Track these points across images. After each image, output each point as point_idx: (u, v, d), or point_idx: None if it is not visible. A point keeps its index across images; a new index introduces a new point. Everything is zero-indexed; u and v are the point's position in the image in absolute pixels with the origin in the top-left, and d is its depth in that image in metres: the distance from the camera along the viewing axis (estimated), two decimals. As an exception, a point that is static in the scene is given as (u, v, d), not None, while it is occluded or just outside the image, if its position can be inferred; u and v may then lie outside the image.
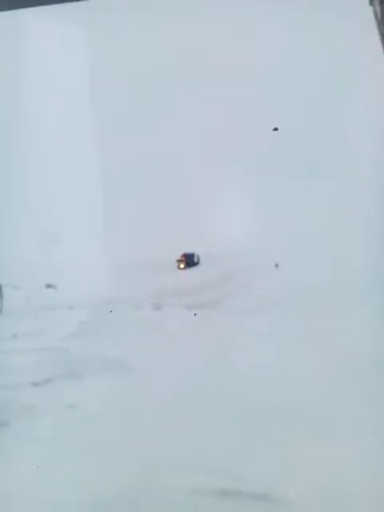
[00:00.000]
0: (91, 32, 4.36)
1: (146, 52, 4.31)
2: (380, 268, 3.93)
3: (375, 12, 4.48)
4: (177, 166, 4.28)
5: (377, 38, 4.31)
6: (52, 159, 4.41)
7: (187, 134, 4.26)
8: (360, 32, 4.25)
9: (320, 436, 3.70)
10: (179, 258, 4.33)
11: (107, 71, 4.36)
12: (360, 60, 4.20)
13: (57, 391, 4.09)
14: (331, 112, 4.17)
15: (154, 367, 4.00)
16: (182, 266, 4.32)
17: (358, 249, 3.95)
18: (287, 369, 3.80)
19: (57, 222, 4.37)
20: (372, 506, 3.53)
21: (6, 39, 4.44)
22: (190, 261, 4.38)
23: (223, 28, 4.24)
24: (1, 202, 4.37)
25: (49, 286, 4.33)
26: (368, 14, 4.37)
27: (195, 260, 4.38)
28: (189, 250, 4.32)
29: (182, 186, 4.26)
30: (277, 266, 4.13)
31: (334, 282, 3.94)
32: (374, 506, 3.52)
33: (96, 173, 4.35)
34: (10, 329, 4.26)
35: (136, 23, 4.30)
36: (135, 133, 4.32)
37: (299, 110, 4.19)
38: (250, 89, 4.21)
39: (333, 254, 4.01)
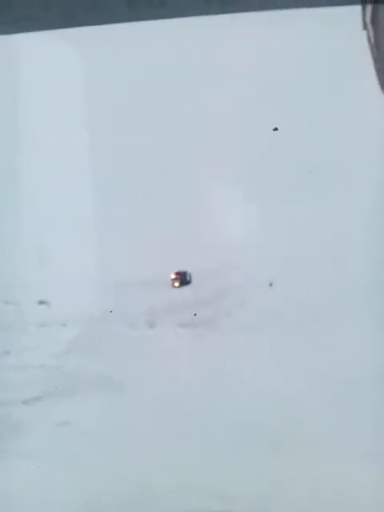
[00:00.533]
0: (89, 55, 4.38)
1: (143, 55, 4.32)
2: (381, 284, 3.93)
3: (369, 37, 4.54)
4: (168, 181, 4.28)
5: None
6: (45, 175, 4.40)
7: (182, 148, 4.26)
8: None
9: (317, 457, 3.69)
10: (173, 276, 4.27)
11: (102, 77, 4.36)
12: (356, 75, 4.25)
13: (48, 409, 4.06)
14: (329, 125, 4.20)
15: (149, 386, 3.97)
16: (176, 284, 4.26)
17: (359, 265, 3.96)
18: (285, 388, 3.79)
19: (50, 238, 4.35)
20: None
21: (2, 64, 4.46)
22: (183, 279, 4.35)
23: (224, 36, 4.27)
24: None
25: (41, 302, 4.30)
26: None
27: (187, 278, 4.36)
28: (181, 268, 4.29)
29: (173, 201, 4.26)
30: (271, 285, 4.12)
31: (333, 298, 3.94)
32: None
33: (90, 188, 4.34)
34: (2, 345, 4.23)
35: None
36: (129, 147, 4.32)
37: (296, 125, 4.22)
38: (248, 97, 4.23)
39: (332, 270, 4.01)
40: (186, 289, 4.21)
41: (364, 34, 4.48)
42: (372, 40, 4.50)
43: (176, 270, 4.24)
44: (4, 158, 4.39)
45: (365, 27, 4.55)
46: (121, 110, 4.36)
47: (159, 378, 4.01)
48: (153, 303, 4.18)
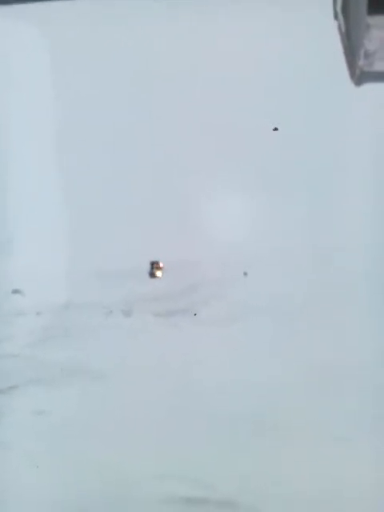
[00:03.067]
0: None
1: (133, 51, 4.28)
2: (357, 279, 3.99)
3: (340, 26, 4.56)
4: (145, 169, 4.26)
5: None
6: (17, 162, 4.35)
7: (160, 136, 4.24)
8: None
9: (291, 446, 3.74)
10: (153, 265, 4.22)
11: (89, 73, 4.31)
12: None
13: (24, 398, 4.05)
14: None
15: (126, 374, 3.98)
16: (159, 274, 4.19)
17: (337, 258, 4.01)
18: (261, 378, 3.82)
19: (22, 226, 4.32)
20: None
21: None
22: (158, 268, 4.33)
23: (221, 29, 4.24)
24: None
25: (16, 291, 4.27)
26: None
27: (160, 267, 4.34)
28: (157, 258, 4.27)
29: (151, 190, 4.24)
30: (246, 274, 4.15)
31: (309, 291, 3.99)
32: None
33: (66, 175, 4.30)
34: (-23, 335, 4.20)
35: (128, 24, 4.28)
36: (108, 136, 4.28)
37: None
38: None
39: (309, 263, 4.05)
40: (162, 279, 4.21)
41: (335, 23, 4.51)
42: (343, 29, 4.53)
43: (150, 260, 4.23)
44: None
45: (336, 17, 4.57)
46: (97, 95, 4.31)
47: (137, 366, 4.02)
48: (128, 292, 4.18)
